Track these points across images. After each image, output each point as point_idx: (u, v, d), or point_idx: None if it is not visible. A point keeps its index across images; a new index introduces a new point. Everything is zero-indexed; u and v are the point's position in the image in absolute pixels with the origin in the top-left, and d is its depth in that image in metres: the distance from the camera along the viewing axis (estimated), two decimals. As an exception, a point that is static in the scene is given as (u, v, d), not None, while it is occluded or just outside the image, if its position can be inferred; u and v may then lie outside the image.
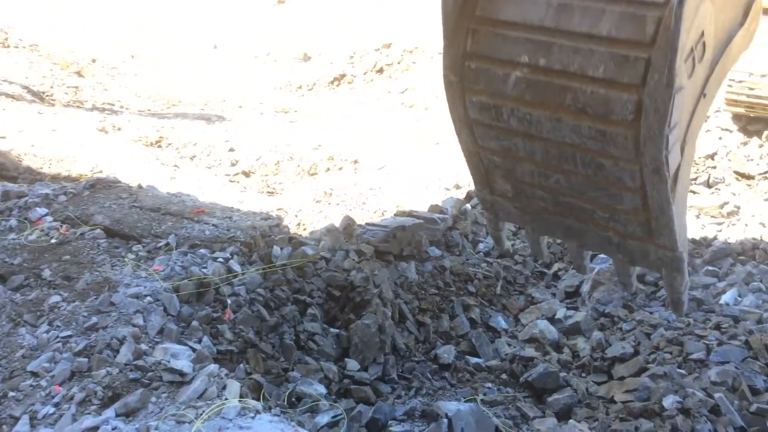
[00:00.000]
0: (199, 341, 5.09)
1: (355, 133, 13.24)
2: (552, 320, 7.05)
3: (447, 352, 6.51)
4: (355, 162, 11.85)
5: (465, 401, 5.58)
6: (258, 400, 4.58)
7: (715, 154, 10.40)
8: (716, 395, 5.20)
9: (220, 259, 5.79)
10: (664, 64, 2.77)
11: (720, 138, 10.76)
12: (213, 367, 4.65)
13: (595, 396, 5.73)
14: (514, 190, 3.79)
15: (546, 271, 8.22)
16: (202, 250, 5.94)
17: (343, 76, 16.79)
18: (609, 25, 2.93)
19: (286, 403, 4.97)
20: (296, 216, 9.75)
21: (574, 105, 3.07)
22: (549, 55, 3.08)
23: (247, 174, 11.32)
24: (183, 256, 5.81)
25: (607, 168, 3.25)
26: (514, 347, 6.69)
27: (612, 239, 3.65)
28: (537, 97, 3.18)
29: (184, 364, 4.68)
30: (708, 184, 9.90)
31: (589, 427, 5.10)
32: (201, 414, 4.23)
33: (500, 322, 7.21)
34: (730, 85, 9.81)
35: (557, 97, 3.11)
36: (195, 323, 5.22)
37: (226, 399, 4.35)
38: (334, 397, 5.44)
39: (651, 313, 6.86)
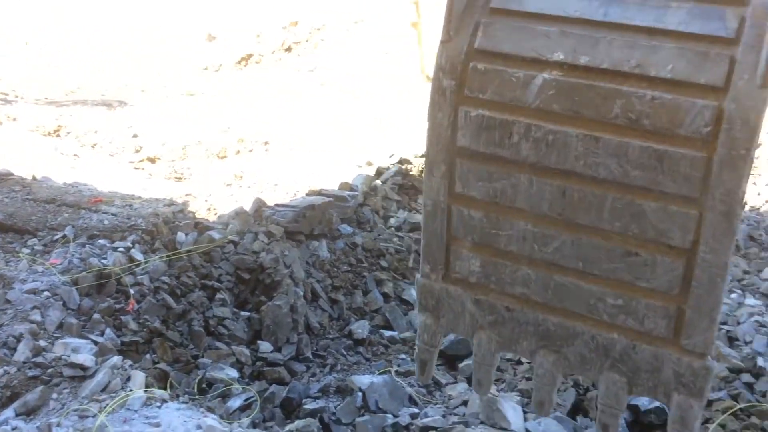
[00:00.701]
0: (102, 334, 4.95)
1: (264, 113, 13.05)
2: (463, 289, 7.21)
3: (361, 328, 6.57)
4: (266, 143, 11.69)
5: (379, 374, 5.66)
6: (165, 389, 4.51)
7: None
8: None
9: (121, 249, 5.62)
10: (756, 60, 2.16)
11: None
12: (116, 359, 4.53)
13: (504, 359, 5.92)
14: (482, 270, 2.88)
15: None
16: (101, 241, 5.75)
17: (250, 55, 16.48)
18: (678, 18, 2.34)
19: (196, 390, 4.90)
20: (206, 201, 9.55)
21: (624, 116, 2.36)
22: (594, 52, 2.40)
23: (152, 160, 10.99)
24: (81, 248, 5.61)
25: (650, 216, 2.45)
26: (427, 318, 6.82)
27: (613, 346, 2.72)
28: (570, 107, 2.44)
29: (85, 358, 4.55)
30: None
31: (497, 389, 5.26)
32: (105, 407, 4.13)
33: (413, 294, 7.32)
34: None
35: (601, 106, 2.39)
36: (96, 316, 5.06)
37: (131, 390, 4.26)
38: (247, 380, 5.41)
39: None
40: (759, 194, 8.93)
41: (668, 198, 2.39)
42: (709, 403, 4.86)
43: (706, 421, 4.76)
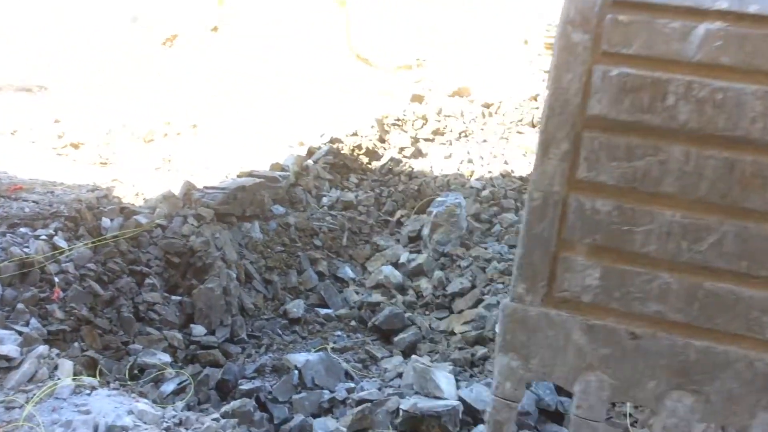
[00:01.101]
0: (27, 324, 4.80)
1: (191, 95, 12.77)
2: (396, 265, 7.31)
3: (296, 307, 6.58)
4: (194, 126, 11.47)
5: (315, 351, 5.70)
6: (94, 376, 4.43)
7: (538, 95, 11.05)
8: (543, 316, 5.64)
9: (43, 237, 5.44)
10: None
11: (543, 80, 11.46)
12: (42, 349, 4.42)
13: (438, 331, 6.05)
14: (603, 284, 2.30)
15: (390, 219, 8.47)
16: (23, 229, 5.55)
17: (175, 36, 16.06)
18: None
19: (127, 376, 4.83)
20: (133, 186, 9.32)
21: None
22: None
23: (76, 146, 10.63)
24: (1, 237, 5.41)
25: None
26: (362, 294, 6.89)
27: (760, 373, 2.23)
28: (743, 59, 2.08)
29: (10, 348, 4.41)
30: (533, 125, 10.55)
31: (431, 360, 5.38)
32: (32, 397, 4.04)
33: (347, 272, 7.38)
34: (548, 30, 10.43)
35: None
36: (20, 306, 4.91)
37: (59, 379, 4.17)
38: (180, 364, 5.36)
39: (485, 248, 7.29)
40: None
41: None
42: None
43: None
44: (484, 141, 10.40)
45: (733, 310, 2.22)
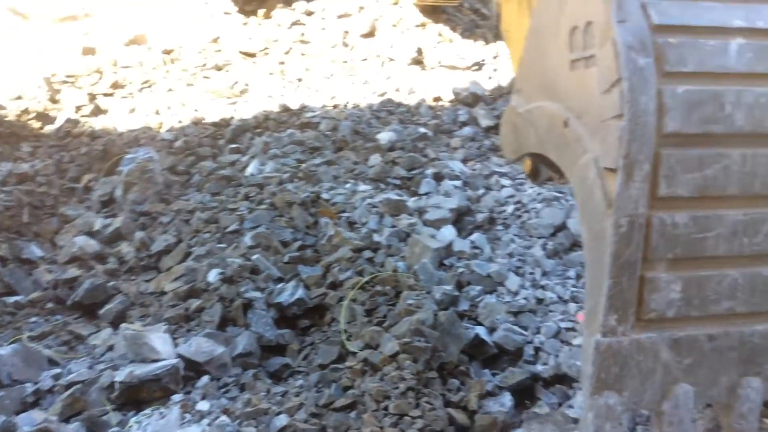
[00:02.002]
0: None
1: None
2: (91, 234, 6.73)
3: (-23, 301, 5.74)
4: None
5: (9, 344, 5.05)
6: None
7: (219, 37, 10.79)
8: (253, 257, 5.66)
9: None
10: None
11: (223, 22, 11.21)
12: None
13: (147, 293, 5.74)
14: (684, 296, 2.41)
15: (76, 186, 7.72)
16: None
17: None
18: None
19: None
20: None
21: None
22: (764, 16, 2.43)
23: None
24: None
25: None
26: (56, 272, 6.24)
27: None
28: None
29: None
30: (218, 68, 10.31)
31: (143, 324, 5.11)
32: None
33: (34, 251, 6.60)
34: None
35: None
36: None
37: None
38: None
39: (187, 200, 7.04)
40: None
41: None
42: (340, 283, 5.39)
43: (340, 299, 5.27)
44: (170, 90, 9.92)
45: None
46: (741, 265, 2.45)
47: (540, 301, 5.35)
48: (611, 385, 2.39)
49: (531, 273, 5.69)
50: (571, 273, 5.77)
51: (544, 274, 5.71)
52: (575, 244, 6.10)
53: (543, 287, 5.54)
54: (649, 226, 2.35)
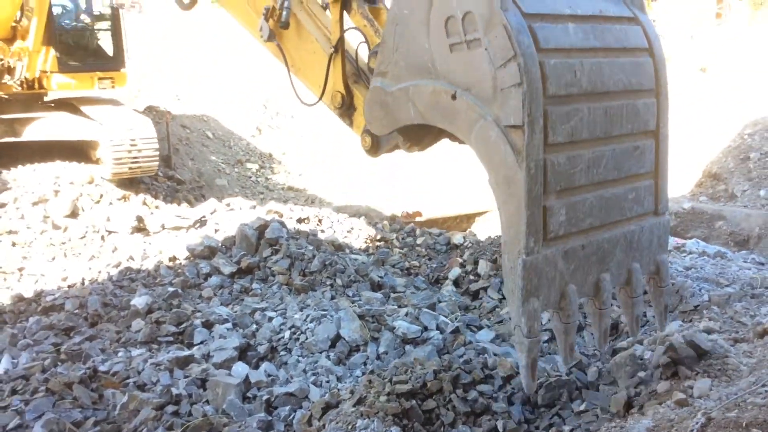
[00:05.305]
0: None
1: None
2: None
3: None
4: None
5: None
6: None
7: None
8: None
9: None
10: None
11: None
12: None
13: None
14: (567, 214, 3.31)
15: None
16: None
17: None
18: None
19: None
20: None
21: (618, 43, 3.53)
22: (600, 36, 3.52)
23: None
24: None
25: (640, 109, 3.56)
26: None
27: (633, 237, 3.63)
28: (600, 42, 3.43)
29: None
30: None
31: None
32: None
33: None
34: None
35: (609, 39, 3.47)
36: None
37: None
38: None
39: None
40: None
41: (644, 91, 3.56)
42: None
43: None
44: None
45: (618, 206, 3.49)
46: (593, 190, 3.40)
47: (344, 402, 5.97)
48: (533, 292, 3.17)
49: (327, 381, 6.32)
50: (357, 372, 6.53)
51: (338, 379, 6.38)
52: (352, 350, 6.91)
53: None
54: (545, 167, 3.17)
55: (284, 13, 4.96)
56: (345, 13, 4.75)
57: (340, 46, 4.75)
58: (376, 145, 4.46)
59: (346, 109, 4.82)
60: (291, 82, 5.20)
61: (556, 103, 3.20)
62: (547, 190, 3.19)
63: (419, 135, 4.01)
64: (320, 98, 4.99)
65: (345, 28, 4.74)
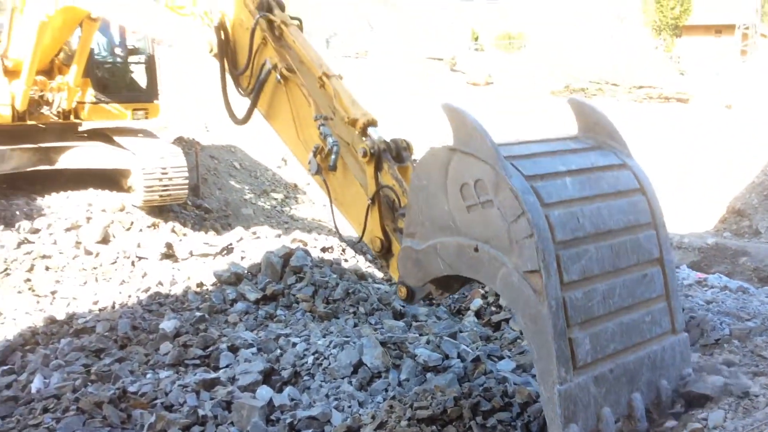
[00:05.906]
0: None
1: None
2: None
3: None
4: None
5: None
6: None
7: None
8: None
9: None
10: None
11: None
12: None
13: None
14: (591, 343, 3.61)
15: None
16: None
17: None
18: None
19: None
20: None
21: (611, 188, 3.98)
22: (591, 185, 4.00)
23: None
24: None
25: (642, 241, 3.92)
26: None
27: (656, 357, 3.88)
28: (591, 192, 3.84)
29: None
30: None
31: None
32: None
33: None
34: None
35: (604, 186, 3.91)
36: None
37: None
38: None
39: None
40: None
41: (641, 226, 3.96)
42: None
43: None
44: None
45: (637, 329, 3.90)
46: (611, 318, 3.73)
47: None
48: (571, 418, 3.44)
49: (349, 406, 6.44)
50: (379, 398, 6.64)
51: (360, 404, 6.49)
52: (374, 376, 7.03)
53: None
54: (565, 303, 3.53)
55: (333, 157, 5.23)
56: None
57: (377, 199, 5.04)
58: (411, 295, 4.71)
59: (385, 253, 5.09)
60: (332, 213, 5.72)
61: (566, 247, 3.63)
62: (569, 323, 3.55)
63: (449, 283, 4.48)
64: (360, 239, 5.33)
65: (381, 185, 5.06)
